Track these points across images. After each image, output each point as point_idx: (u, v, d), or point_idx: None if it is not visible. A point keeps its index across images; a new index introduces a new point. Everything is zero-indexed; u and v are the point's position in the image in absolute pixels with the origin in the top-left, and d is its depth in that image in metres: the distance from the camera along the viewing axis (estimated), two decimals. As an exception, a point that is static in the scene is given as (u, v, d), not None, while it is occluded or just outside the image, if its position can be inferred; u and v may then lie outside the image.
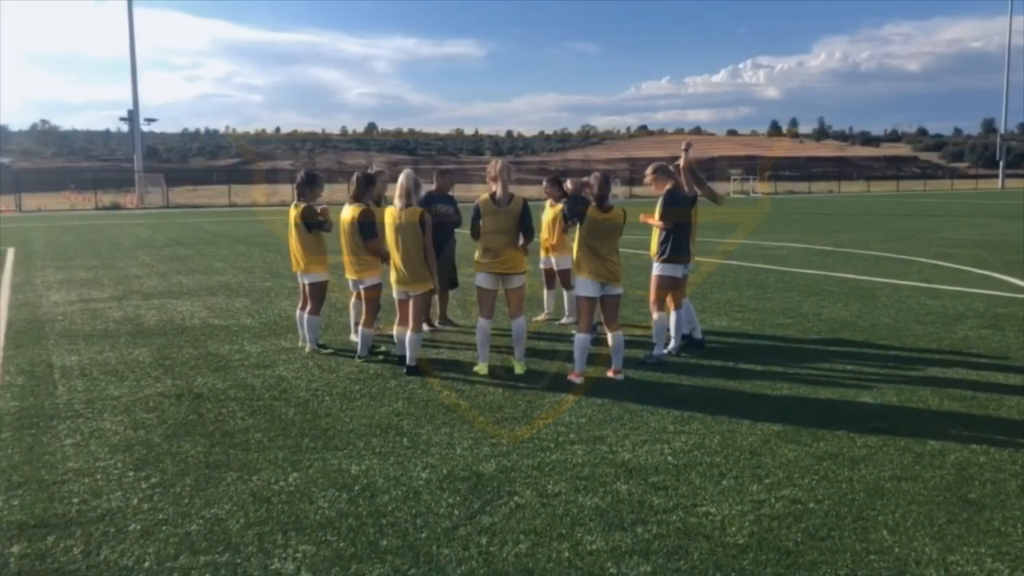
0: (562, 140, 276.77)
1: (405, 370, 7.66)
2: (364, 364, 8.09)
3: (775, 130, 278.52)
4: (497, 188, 7.45)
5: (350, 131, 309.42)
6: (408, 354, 7.66)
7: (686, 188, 8.25)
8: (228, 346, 9.02)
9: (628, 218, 7.40)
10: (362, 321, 8.21)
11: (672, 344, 8.26)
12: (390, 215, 7.62)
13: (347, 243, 8.08)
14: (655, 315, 8.01)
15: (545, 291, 10.52)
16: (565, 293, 10.19)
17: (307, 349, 8.67)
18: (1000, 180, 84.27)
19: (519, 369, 7.67)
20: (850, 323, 9.93)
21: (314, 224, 8.31)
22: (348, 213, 8.05)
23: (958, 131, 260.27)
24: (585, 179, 7.62)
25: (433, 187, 9.69)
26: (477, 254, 7.59)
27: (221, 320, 10.62)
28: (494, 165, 7.52)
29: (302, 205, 8.42)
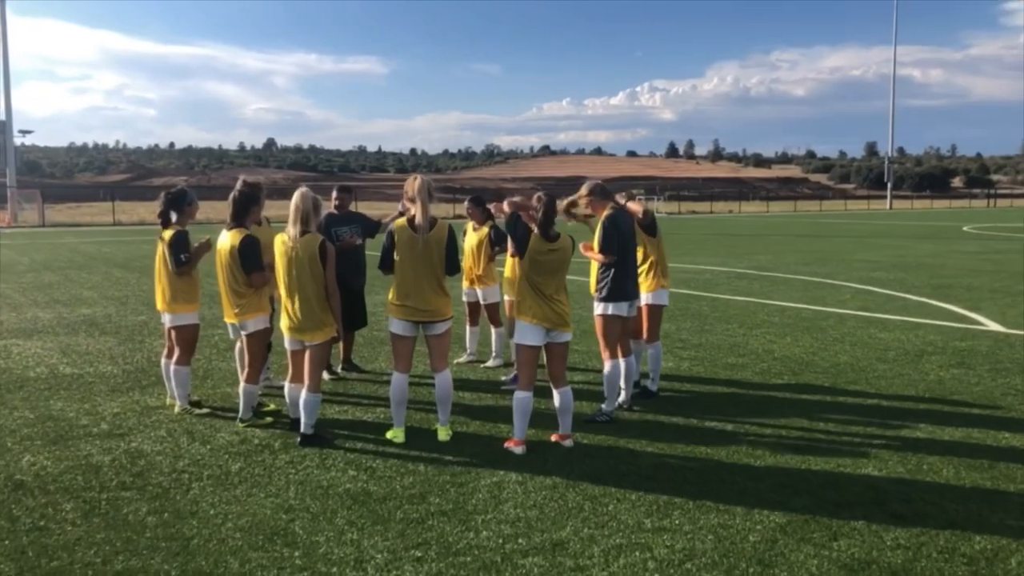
0: (466, 158, 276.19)
1: (299, 439, 6.11)
2: (247, 430, 6.48)
3: (672, 152, 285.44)
4: (416, 211, 6.00)
5: (248, 147, 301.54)
6: (303, 419, 6.10)
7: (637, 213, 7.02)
8: (77, 405, 7.24)
9: (574, 249, 6.10)
10: (244, 375, 6.60)
11: (622, 396, 6.96)
12: (281, 244, 6.07)
13: (225, 277, 6.48)
14: (607, 363, 6.69)
15: (468, 328, 9.10)
16: (493, 331, 8.80)
17: (176, 408, 6.99)
18: (888, 201, 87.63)
19: (443, 435, 6.21)
20: (808, 362, 8.86)
21: (178, 259, 6.68)
22: (226, 240, 6.46)
23: (843, 154, 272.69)
24: (516, 199, 6.26)
25: (332, 206, 8.17)
26: (391, 295, 6.12)
27: (75, 368, 8.76)
28: (412, 183, 6.08)
29: (171, 231, 6.77)
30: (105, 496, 5.10)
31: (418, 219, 5.99)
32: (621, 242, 6.68)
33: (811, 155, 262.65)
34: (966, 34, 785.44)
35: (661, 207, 63.47)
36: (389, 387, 6.23)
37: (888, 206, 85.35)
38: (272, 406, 7.09)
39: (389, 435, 6.22)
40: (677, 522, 4.66)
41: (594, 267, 6.87)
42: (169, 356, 7.07)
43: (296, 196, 6.03)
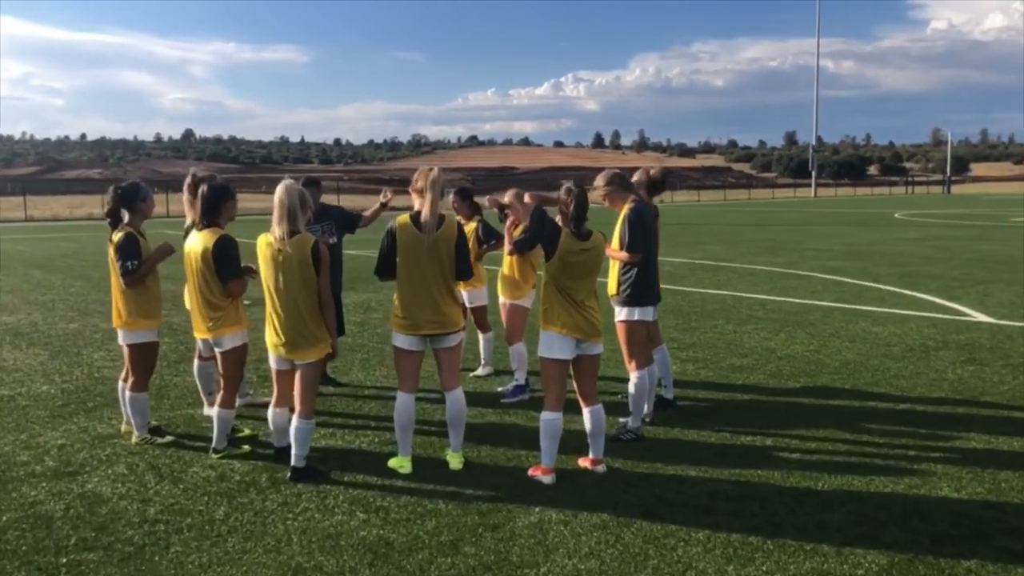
0: (393, 148, 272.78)
1: (289, 473, 5.24)
2: (224, 462, 5.57)
3: (599, 142, 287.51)
4: (423, 206, 5.18)
5: (166, 138, 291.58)
6: (293, 450, 5.24)
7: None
8: (12, 436, 6.20)
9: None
10: (218, 399, 5.67)
11: (646, 409, 6.27)
12: (266, 248, 5.18)
13: (196, 286, 5.54)
14: (635, 375, 5.98)
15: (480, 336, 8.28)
16: (481, 337, 8.00)
17: (134, 438, 6.02)
18: (813, 189, 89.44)
19: (456, 463, 5.42)
20: (815, 361, 8.34)
21: (126, 266, 5.70)
22: (197, 242, 5.52)
23: (763, 143, 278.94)
24: (546, 193, 5.49)
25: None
26: (396, 306, 5.29)
27: (2, 388, 7.64)
28: (425, 174, 5.25)
29: (120, 234, 5.79)
30: (64, 560, 4.16)
31: (424, 215, 5.16)
32: (647, 238, 5.98)
33: (733, 144, 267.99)
34: (876, 27, 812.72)
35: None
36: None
37: (813, 194, 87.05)
38: (247, 430, 6.19)
39: (393, 464, 5.41)
40: (765, 568, 3.98)
41: (614, 267, 6.16)
42: (127, 379, 6.09)
43: (280, 190, 5.14)
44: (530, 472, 5.26)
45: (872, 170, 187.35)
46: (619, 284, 6.04)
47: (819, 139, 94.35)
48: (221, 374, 5.66)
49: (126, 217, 5.87)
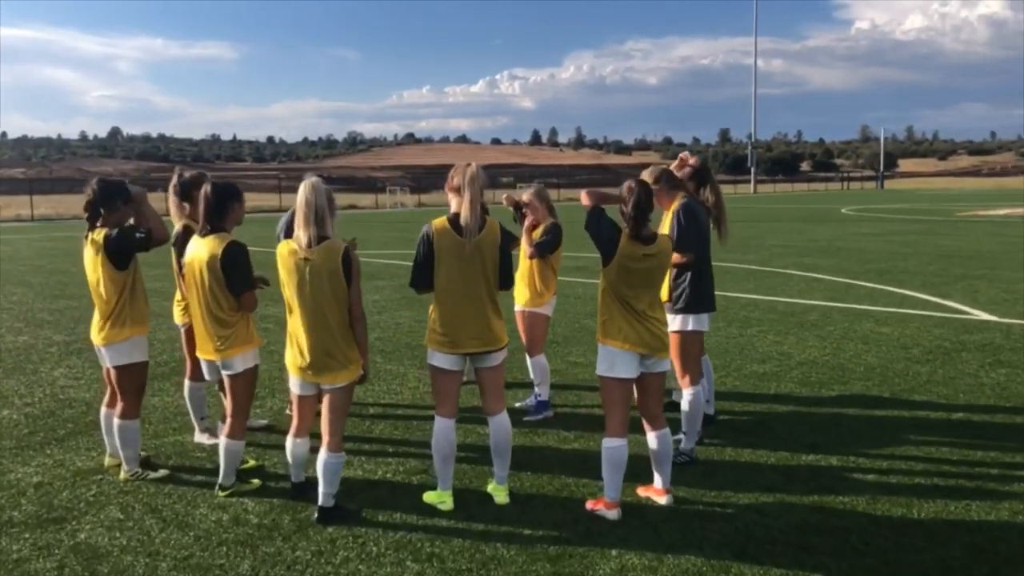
0: (328, 146, 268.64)
1: (316, 514, 4.57)
2: (234, 501, 4.86)
3: (536, 139, 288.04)
4: (463, 207, 4.56)
5: (91, 136, 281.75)
6: (321, 487, 4.57)
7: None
8: (-24, 475, 5.37)
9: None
10: (226, 427, 4.95)
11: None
12: (289, 256, 4.49)
13: (201, 300, 4.82)
14: (689, 391, 5.45)
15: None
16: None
17: (122, 474, 5.26)
18: (752, 185, 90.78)
19: (502, 497, 4.82)
20: (840, 367, 7.94)
21: (129, 246, 4.96)
22: (202, 250, 4.79)
23: (697, 140, 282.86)
24: (606, 190, 4.90)
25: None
26: (433, 321, 4.65)
27: (-44, 415, 6.75)
28: (464, 170, 4.63)
29: (105, 230, 5.02)
30: (71, 639, 3.43)
31: (464, 216, 4.54)
32: (699, 237, 5.46)
33: (668, 142, 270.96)
34: (804, 27, 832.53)
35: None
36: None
37: (752, 190, 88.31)
38: (251, 460, 5.48)
39: (431, 499, 4.78)
40: (904, 622, 3.47)
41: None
42: (111, 405, 5.33)
43: (304, 190, 4.46)
44: (590, 506, 4.69)
45: (805, 166, 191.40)
46: (672, 290, 5.50)
47: (751, 136, 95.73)
48: (229, 399, 4.95)
49: (103, 217, 5.09)
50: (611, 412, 4.61)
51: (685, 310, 5.46)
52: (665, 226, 5.49)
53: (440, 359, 4.63)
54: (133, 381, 5.17)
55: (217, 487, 4.98)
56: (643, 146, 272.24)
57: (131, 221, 5.12)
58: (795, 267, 16.55)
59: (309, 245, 4.42)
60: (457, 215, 4.58)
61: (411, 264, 4.68)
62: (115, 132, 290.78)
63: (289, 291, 4.50)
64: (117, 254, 4.96)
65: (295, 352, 4.55)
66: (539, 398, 6.58)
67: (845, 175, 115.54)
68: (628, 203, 4.52)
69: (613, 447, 4.56)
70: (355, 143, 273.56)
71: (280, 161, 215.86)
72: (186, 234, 5.57)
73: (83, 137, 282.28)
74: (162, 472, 5.31)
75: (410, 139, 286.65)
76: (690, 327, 5.48)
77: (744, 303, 11.92)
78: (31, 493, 5.04)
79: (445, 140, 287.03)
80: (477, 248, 4.56)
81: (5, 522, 4.62)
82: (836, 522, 4.48)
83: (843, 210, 42.22)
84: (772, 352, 8.63)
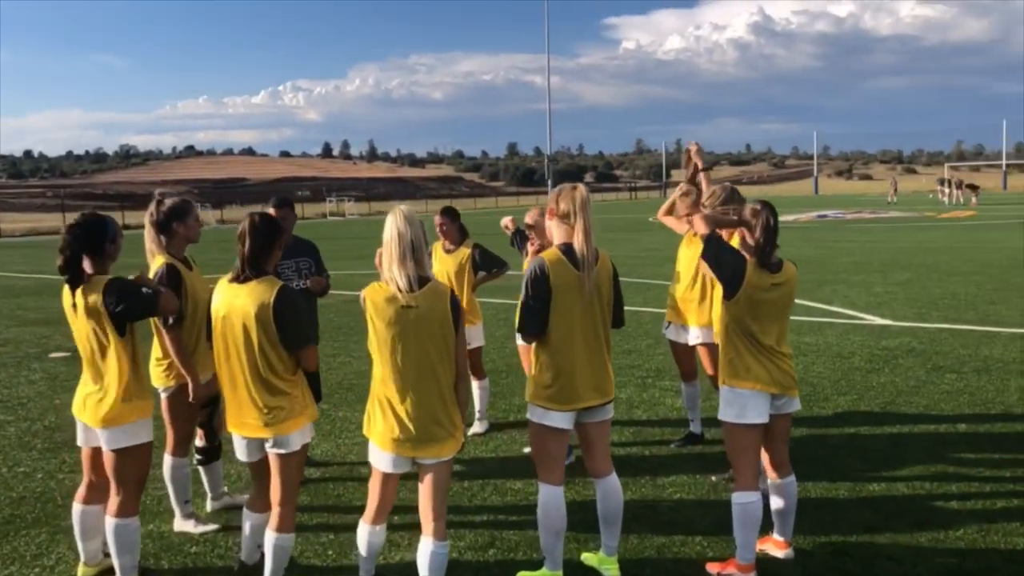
0: (97, 160, 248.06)
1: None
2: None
3: (327, 152, 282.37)
4: (576, 236, 3.92)
5: None
6: (423, 582, 3.74)
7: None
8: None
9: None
10: (274, 520, 3.97)
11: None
12: (384, 303, 3.64)
13: (245, 363, 3.83)
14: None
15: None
16: (476, 385, 6.68)
17: (114, 586, 4.11)
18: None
19: (614, 571, 4.19)
20: (807, 382, 7.92)
21: (138, 309, 3.90)
22: (245, 298, 3.81)
23: (485, 153, 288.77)
24: (725, 207, 4.42)
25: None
26: (541, 372, 3.96)
27: None
28: (571, 194, 4.01)
29: (99, 288, 3.89)
30: None
31: (580, 247, 3.92)
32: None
33: (460, 155, 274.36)
34: (576, 45, 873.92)
35: (353, 208, 61.66)
36: (538, 517, 4.05)
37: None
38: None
39: (540, 580, 4.07)
40: None
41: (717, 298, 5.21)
42: (90, 500, 4.16)
43: (397, 220, 3.67)
44: (715, 570, 4.19)
45: (588, 177, 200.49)
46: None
47: (536, 149, 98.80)
48: (276, 483, 3.97)
49: (89, 267, 3.96)
50: (742, 463, 4.14)
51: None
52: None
53: (555, 417, 3.96)
54: (138, 468, 4.06)
55: (258, 593, 3.98)
56: (436, 159, 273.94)
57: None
58: (662, 277, 16.76)
59: (411, 289, 3.61)
60: (569, 245, 3.93)
61: (518, 306, 3.97)
62: None
63: (385, 347, 3.65)
64: (120, 319, 3.87)
65: (390, 422, 3.70)
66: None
67: (631, 185, 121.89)
68: (755, 227, 4.08)
69: (747, 503, 4.09)
70: (128, 156, 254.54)
71: (42, 177, 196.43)
72: (172, 275, 4.50)
73: None
74: (166, 579, 4.21)
75: (191, 152, 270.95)
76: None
77: (650, 317, 11.81)
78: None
79: (229, 152, 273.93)
80: (595, 284, 3.94)
81: None
82: (963, 566, 4.26)
83: (650, 219, 44.22)
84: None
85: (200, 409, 4.74)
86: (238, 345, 3.82)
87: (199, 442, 4.98)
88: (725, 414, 4.16)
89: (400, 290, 3.62)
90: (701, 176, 5.84)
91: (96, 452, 4.11)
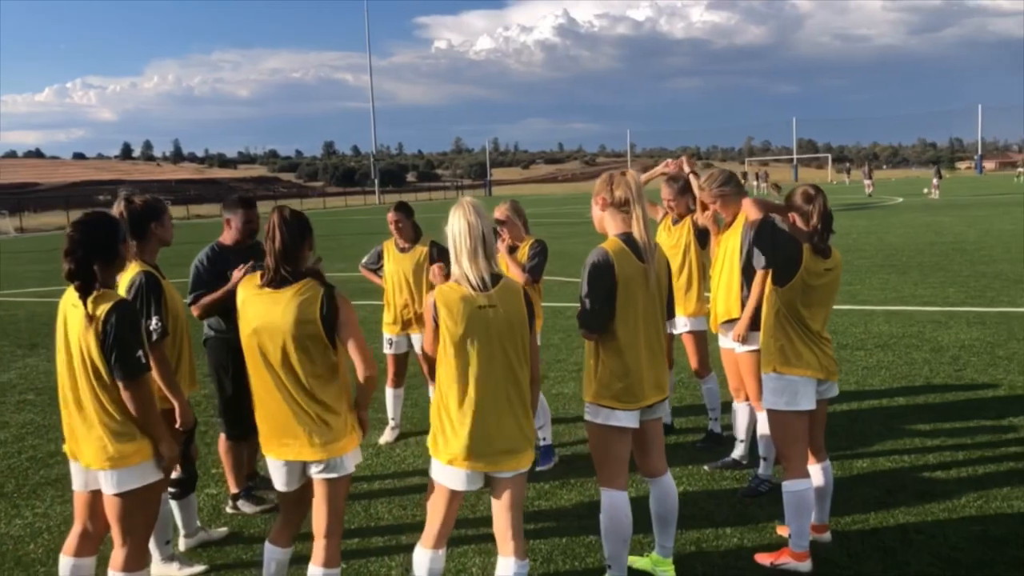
0: None
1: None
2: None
3: (127, 153, 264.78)
4: (635, 225, 3.71)
5: None
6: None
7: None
8: None
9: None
10: (319, 554, 3.56)
11: (741, 451, 5.44)
12: (460, 302, 3.28)
13: (287, 382, 3.44)
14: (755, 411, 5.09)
15: (390, 391, 6.46)
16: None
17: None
18: (377, 196, 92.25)
19: (671, 572, 4.03)
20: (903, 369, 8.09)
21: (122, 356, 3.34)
22: (285, 306, 3.38)
23: (300, 152, 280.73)
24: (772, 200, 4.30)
25: (234, 231, 5.02)
26: (605, 369, 3.72)
27: None
28: (622, 179, 3.79)
29: (107, 304, 3.27)
30: None
31: (641, 236, 3.72)
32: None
33: (274, 154, 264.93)
34: (388, 43, 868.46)
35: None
36: (602, 526, 3.80)
37: (378, 200, 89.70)
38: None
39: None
40: None
41: (726, 285, 5.17)
42: (84, 552, 3.52)
43: (466, 212, 3.37)
44: (768, 560, 4.14)
45: (411, 177, 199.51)
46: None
47: (355, 148, 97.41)
48: (322, 513, 3.49)
49: (99, 274, 3.33)
50: (793, 450, 4.15)
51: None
52: (735, 235, 5.02)
53: (621, 416, 3.75)
54: (147, 513, 3.45)
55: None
56: (248, 159, 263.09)
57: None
58: (564, 275, 16.20)
59: (485, 287, 3.26)
60: (629, 235, 3.71)
61: (579, 301, 3.69)
62: None
63: (460, 352, 3.28)
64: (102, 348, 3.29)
65: (463, 435, 3.36)
66: (544, 442, 5.74)
67: (457, 184, 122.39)
68: (812, 213, 4.01)
69: (799, 490, 4.10)
70: None
71: None
72: (152, 286, 3.89)
73: None
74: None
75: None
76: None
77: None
78: None
79: (12, 155, 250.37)
80: (658, 275, 3.74)
81: None
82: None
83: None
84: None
85: (181, 435, 4.14)
86: (277, 362, 3.32)
87: (173, 473, 4.35)
88: (775, 402, 4.12)
89: (474, 288, 3.26)
90: (692, 179, 5.68)
91: (96, 496, 3.45)
